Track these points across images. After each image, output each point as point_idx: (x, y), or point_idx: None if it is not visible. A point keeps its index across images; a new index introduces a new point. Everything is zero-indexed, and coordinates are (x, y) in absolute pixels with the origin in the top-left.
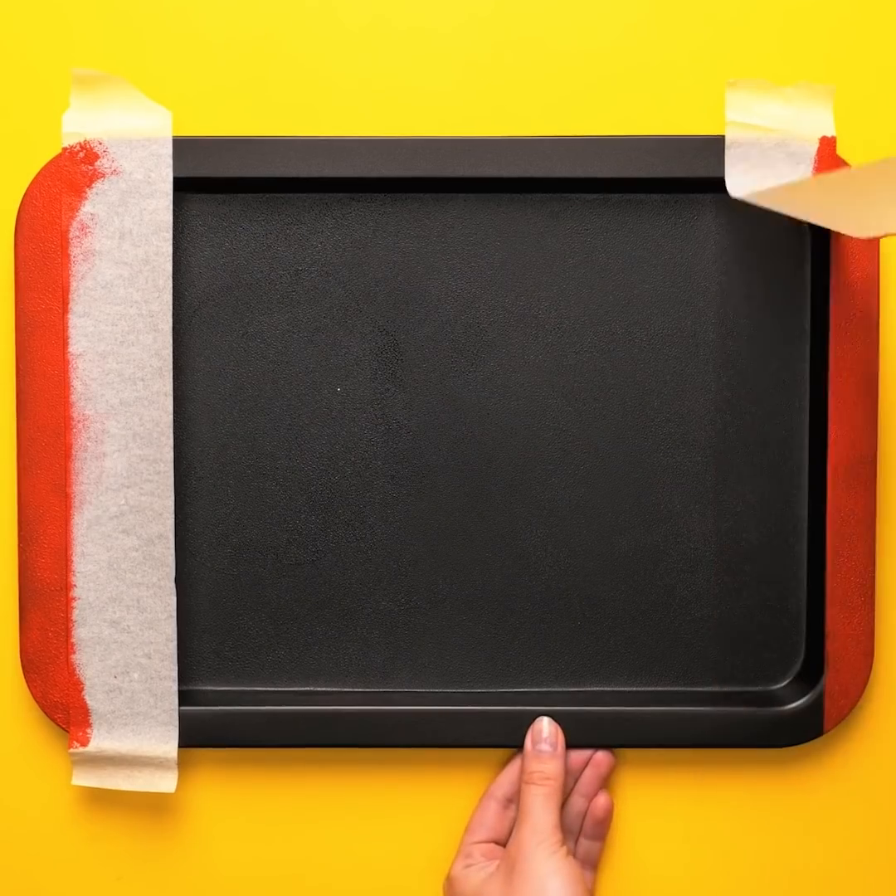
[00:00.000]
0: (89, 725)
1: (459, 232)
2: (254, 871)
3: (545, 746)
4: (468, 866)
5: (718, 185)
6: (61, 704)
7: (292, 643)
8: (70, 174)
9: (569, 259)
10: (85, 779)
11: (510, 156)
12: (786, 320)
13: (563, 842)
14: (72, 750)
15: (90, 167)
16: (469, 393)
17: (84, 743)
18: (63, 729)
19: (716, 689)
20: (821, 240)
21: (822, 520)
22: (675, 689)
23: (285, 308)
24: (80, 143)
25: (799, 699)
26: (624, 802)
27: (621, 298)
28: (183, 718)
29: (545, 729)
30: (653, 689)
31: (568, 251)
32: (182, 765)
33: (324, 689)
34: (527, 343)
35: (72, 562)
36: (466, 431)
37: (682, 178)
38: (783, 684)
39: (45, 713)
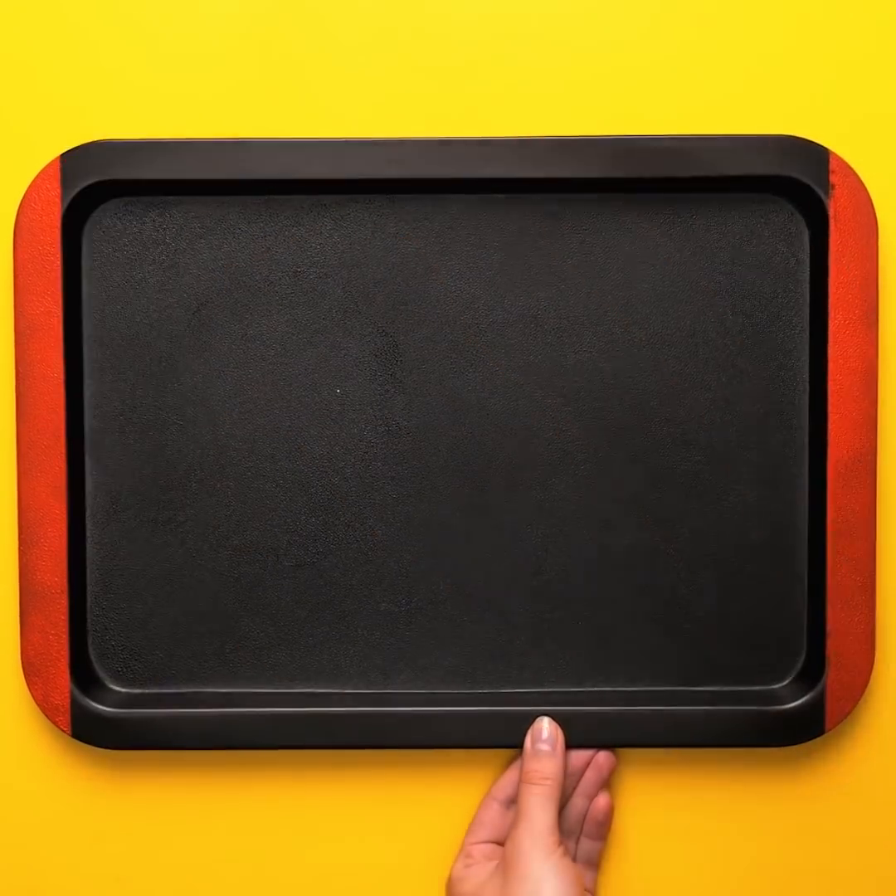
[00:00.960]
0: None
1: (458, 232)
2: (255, 872)
3: (544, 746)
4: (469, 866)
5: (717, 184)
6: (62, 707)
7: (293, 645)
8: None
9: (568, 259)
10: None
11: (509, 156)
12: (786, 319)
13: (561, 842)
14: None
15: None
16: (469, 393)
17: None
18: (64, 732)
19: (716, 688)
20: (821, 238)
21: (823, 518)
22: (676, 688)
23: (284, 310)
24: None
25: (800, 698)
26: (624, 802)
27: (621, 298)
28: (184, 721)
29: (545, 729)
30: (653, 689)
31: (567, 251)
32: (184, 768)
33: (325, 690)
34: (526, 343)
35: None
36: (466, 432)
37: (681, 177)
38: (784, 684)
39: (46, 716)
